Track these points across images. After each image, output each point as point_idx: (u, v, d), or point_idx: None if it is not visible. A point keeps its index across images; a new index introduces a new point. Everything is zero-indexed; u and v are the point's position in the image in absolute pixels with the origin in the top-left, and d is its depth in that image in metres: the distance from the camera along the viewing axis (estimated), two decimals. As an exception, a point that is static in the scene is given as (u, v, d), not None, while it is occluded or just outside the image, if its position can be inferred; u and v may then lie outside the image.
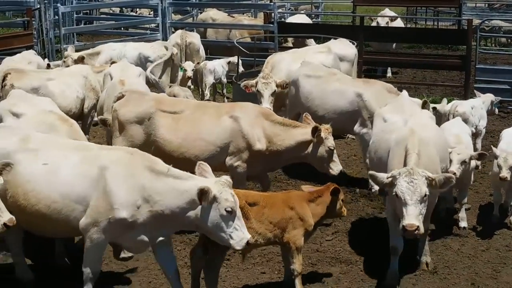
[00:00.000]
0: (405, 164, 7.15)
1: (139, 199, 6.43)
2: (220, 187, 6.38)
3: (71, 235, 7.75)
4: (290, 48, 16.78)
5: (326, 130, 8.91)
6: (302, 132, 8.96)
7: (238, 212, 6.45)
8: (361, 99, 10.55)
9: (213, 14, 20.69)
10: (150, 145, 8.81)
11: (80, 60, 13.38)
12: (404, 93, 9.38)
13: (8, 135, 7.03)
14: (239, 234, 6.42)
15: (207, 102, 9.67)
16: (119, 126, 8.98)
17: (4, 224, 6.21)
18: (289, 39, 19.15)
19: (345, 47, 13.28)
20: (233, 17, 21.12)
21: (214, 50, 19.45)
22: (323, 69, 11.35)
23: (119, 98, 9.14)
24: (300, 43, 18.06)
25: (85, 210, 6.50)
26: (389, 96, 10.29)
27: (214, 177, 6.69)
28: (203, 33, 19.66)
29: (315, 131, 8.79)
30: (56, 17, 18.87)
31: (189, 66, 15.18)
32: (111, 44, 15.18)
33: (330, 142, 8.92)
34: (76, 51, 14.33)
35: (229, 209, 6.35)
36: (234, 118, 8.95)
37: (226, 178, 6.55)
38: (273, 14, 18.80)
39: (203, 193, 6.26)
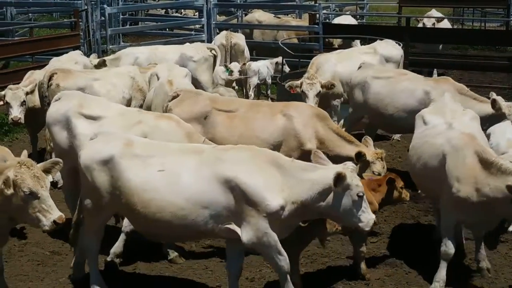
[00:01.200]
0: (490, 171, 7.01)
1: (283, 189, 6.46)
2: (350, 173, 6.45)
3: (195, 239, 7.89)
4: (335, 49, 16.69)
5: (375, 155, 8.84)
6: (354, 149, 8.85)
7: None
8: (428, 98, 10.45)
9: (258, 16, 20.70)
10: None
11: (102, 65, 13.32)
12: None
13: (111, 140, 6.97)
14: (366, 216, 6.58)
15: (261, 101, 9.74)
16: None
17: (54, 221, 6.25)
18: (336, 40, 19.06)
19: (391, 48, 13.17)
20: (279, 17, 21.11)
21: (259, 51, 19.46)
22: (392, 70, 11.37)
23: (173, 98, 9.17)
24: (347, 45, 17.95)
25: (214, 213, 6.49)
26: (458, 96, 10.15)
27: (332, 163, 6.81)
28: (249, 34, 19.68)
29: (359, 156, 8.69)
30: (103, 18, 19.10)
31: (235, 67, 15.21)
32: (132, 49, 15.10)
33: (376, 167, 8.84)
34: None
35: (361, 194, 6.47)
36: (288, 117, 8.97)
37: (352, 164, 6.67)
38: (317, 15, 18.74)
39: (339, 179, 6.34)
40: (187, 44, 15.18)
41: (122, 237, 8.17)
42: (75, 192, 8.87)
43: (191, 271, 8.06)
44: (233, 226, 6.54)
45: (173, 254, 8.37)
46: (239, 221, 6.51)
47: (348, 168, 6.50)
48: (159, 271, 8.08)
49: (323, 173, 6.49)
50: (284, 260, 6.61)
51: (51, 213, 6.24)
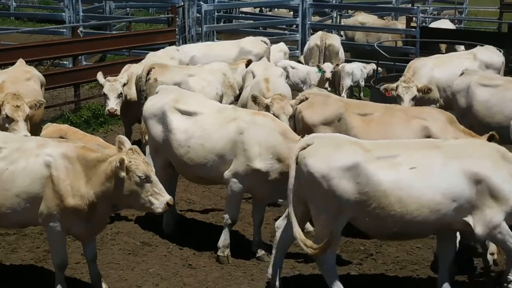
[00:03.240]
0: None
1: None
2: None
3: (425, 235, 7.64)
4: (438, 54, 16.29)
5: None
6: None
7: None
8: None
9: (362, 19, 20.46)
10: None
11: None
12: None
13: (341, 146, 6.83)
14: None
15: (393, 105, 9.53)
16: (303, 129, 8.86)
17: (167, 203, 6.59)
18: (443, 45, 18.62)
19: (492, 55, 12.74)
20: (384, 19, 20.79)
21: (356, 53, 19.24)
22: (499, 77, 11.02)
23: (301, 101, 9.13)
24: (451, 50, 17.50)
25: (459, 206, 6.60)
26: None
27: None
28: (352, 36, 19.48)
29: None
30: (199, 15, 19.32)
31: (327, 67, 15.09)
32: (187, 46, 15.10)
33: None
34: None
35: None
36: (424, 123, 8.83)
37: None
38: (415, 19, 18.39)
39: None
40: (245, 38, 15.25)
41: (226, 231, 8.29)
42: (168, 185, 9.03)
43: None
44: (468, 219, 6.65)
45: (260, 252, 8.37)
46: (474, 213, 6.64)
47: None
48: (247, 268, 8.09)
49: None
50: None
51: (163, 195, 6.60)
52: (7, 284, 7.42)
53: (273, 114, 9.15)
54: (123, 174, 6.50)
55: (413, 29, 18.13)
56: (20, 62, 11.20)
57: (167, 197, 6.62)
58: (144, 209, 6.79)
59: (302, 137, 7.38)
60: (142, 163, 6.56)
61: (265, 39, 15.25)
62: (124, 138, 6.88)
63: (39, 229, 8.79)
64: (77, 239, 7.34)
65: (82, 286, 7.46)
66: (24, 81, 10.31)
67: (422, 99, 11.25)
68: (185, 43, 18.27)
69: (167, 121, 8.56)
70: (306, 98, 9.15)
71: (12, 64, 11.45)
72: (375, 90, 12.46)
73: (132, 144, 6.75)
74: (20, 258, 8.22)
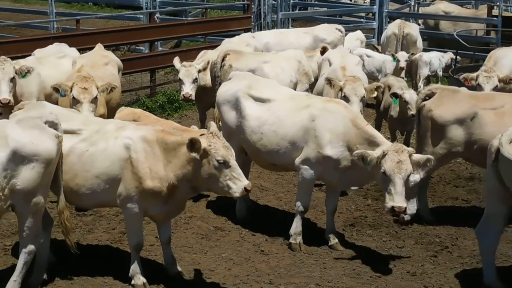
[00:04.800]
0: None
1: None
2: None
3: None
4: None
5: None
6: None
7: None
8: None
9: (444, 7, 19.98)
10: (472, 145, 8.51)
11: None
12: None
13: None
14: None
15: None
16: (433, 127, 8.67)
17: (245, 188, 6.59)
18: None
19: None
20: (467, 7, 20.27)
21: (436, 42, 18.82)
22: None
23: (428, 96, 8.85)
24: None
25: None
26: None
27: None
28: (435, 25, 19.05)
29: None
30: (274, 1, 19.26)
31: (402, 56, 14.81)
32: (256, 34, 14.99)
33: None
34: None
35: None
36: None
37: None
38: (497, 7, 17.87)
39: None
40: (319, 26, 15.06)
41: (298, 218, 8.25)
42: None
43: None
44: None
45: (333, 240, 8.31)
46: None
47: None
48: (319, 256, 8.05)
49: None
50: None
51: (241, 180, 6.57)
52: (84, 263, 7.57)
53: (344, 96, 9.14)
54: (194, 154, 6.54)
55: (495, 18, 17.62)
56: (99, 47, 11.40)
57: (245, 182, 6.60)
58: (223, 192, 6.81)
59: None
60: (221, 148, 6.57)
61: (340, 26, 15.09)
62: (211, 123, 6.93)
63: (114, 211, 8.95)
64: (154, 221, 7.43)
65: (156, 268, 7.55)
66: (102, 65, 10.47)
67: (503, 90, 10.93)
68: (260, 30, 18.27)
69: (240, 107, 8.58)
70: (433, 93, 8.82)
71: (91, 48, 11.69)
72: (453, 80, 12.17)
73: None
74: (96, 238, 8.39)
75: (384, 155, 7.34)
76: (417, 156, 7.46)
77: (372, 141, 7.69)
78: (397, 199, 7.23)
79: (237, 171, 6.61)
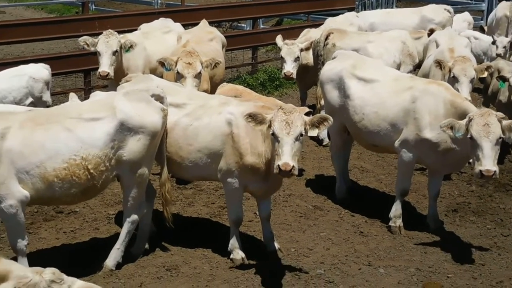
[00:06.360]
0: None
1: None
2: None
3: None
4: None
5: None
6: None
7: None
8: None
9: None
10: None
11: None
12: None
13: None
14: None
15: None
16: None
17: (278, 165, 6.23)
18: None
19: None
20: None
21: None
22: None
23: None
24: None
25: None
26: None
27: None
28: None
29: None
30: (379, -19, 18.91)
31: (500, 42, 14.09)
32: (361, 14, 14.58)
33: None
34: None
35: None
36: None
37: None
38: None
39: None
40: (427, 6, 14.59)
41: (398, 201, 8.12)
42: (342, 151, 9.00)
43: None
44: None
45: (435, 225, 8.14)
46: None
47: None
48: (420, 240, 7.88)
49: None
50: None
51: (281, 159, 6.25)
52: (185, 234, 7.70)
53: (453, 77, 8.89)
54: (253, 125, 6.49)
55: None
56: (204, 23, 11.50)
57: (282, 161, 6.22)
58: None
59: None
60: (277, 122, 6.33)
61: (448, 7, 14.64)
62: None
63: (214, 185, 9.05)
64: (254, 196, 7.47)
65: (254, 243, 7.59)
66: (207, 41, 10.56)
67: None
68: (364, 10, 17.99)
69: (344, 86, 8.50)
70: None
71: (195, 24, 11.81)
72: None
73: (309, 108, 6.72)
74: (196, 211, 8.51)
75: (470, 120, 7.06)
76: (509, 121, 7.13)
77: (466, 114, 7.33)
78: (485, 162, 6.88)
79: (284, 148, 6.27)
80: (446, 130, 7.16)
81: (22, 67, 9.76)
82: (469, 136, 7.02)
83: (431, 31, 11.76)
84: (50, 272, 4.15)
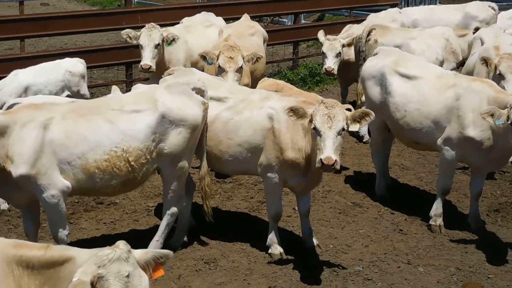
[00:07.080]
0: None
1: None
2: None
3: None
4: None
5: None
6: None
7: None
8: None
9: None
10: None
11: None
12: None
13: None
14: None
15: None
16: None
17: (321, 159, 6.21)
18: None
19: None
20: None
21: None
22: None
23: None
24: None
25: None
26: None
27: None
28: None
29: None
30: (423, -23, 18.71)
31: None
32: (404, 10, 14.37)
33: None
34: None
35: None
36: None
37: None
38: None
39: None
40: (471, 3, 14.34)
41: (439, 200, 8.02)
42: (382, 148, 8.92)
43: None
44: None
45: (477, 225, 8.02)
46: None
47: None
48: (461, 240, 7.78)
49: None
50: None
51: (323, 153, 6.22)
52: (223, 228, 7.72)
53: (499, 73, 8.78)
54: (293, 118, 6.46)
55: None
56: (245, 17, 11.49)
57: (324, 155, 6.19)
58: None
59: None
60: (319, 116, 6.31)
61: (493, 4, 14.39)
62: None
63: (253, 180, 9.05)
64: (293, 192, 7.45)
65: (293, 238, 7.58)
66: (248, 36, 10.55)
67: None
68: (407, 6, 17.81)
69: (385, 83, 8.42)
70: None
71: (236, 18, 11.80)
72: None
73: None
74: (235, 206, 8.52)
75: (511, 107, 6.95)
76: None
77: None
78: None
79: (325, 142, 6.25)
80: (487, 118, 7.07)
81: (58, 61, 9.86)
82: (510, 122, 6.92)
83: (476, 29, 11.59)
84: (123, 243, 4.16)
